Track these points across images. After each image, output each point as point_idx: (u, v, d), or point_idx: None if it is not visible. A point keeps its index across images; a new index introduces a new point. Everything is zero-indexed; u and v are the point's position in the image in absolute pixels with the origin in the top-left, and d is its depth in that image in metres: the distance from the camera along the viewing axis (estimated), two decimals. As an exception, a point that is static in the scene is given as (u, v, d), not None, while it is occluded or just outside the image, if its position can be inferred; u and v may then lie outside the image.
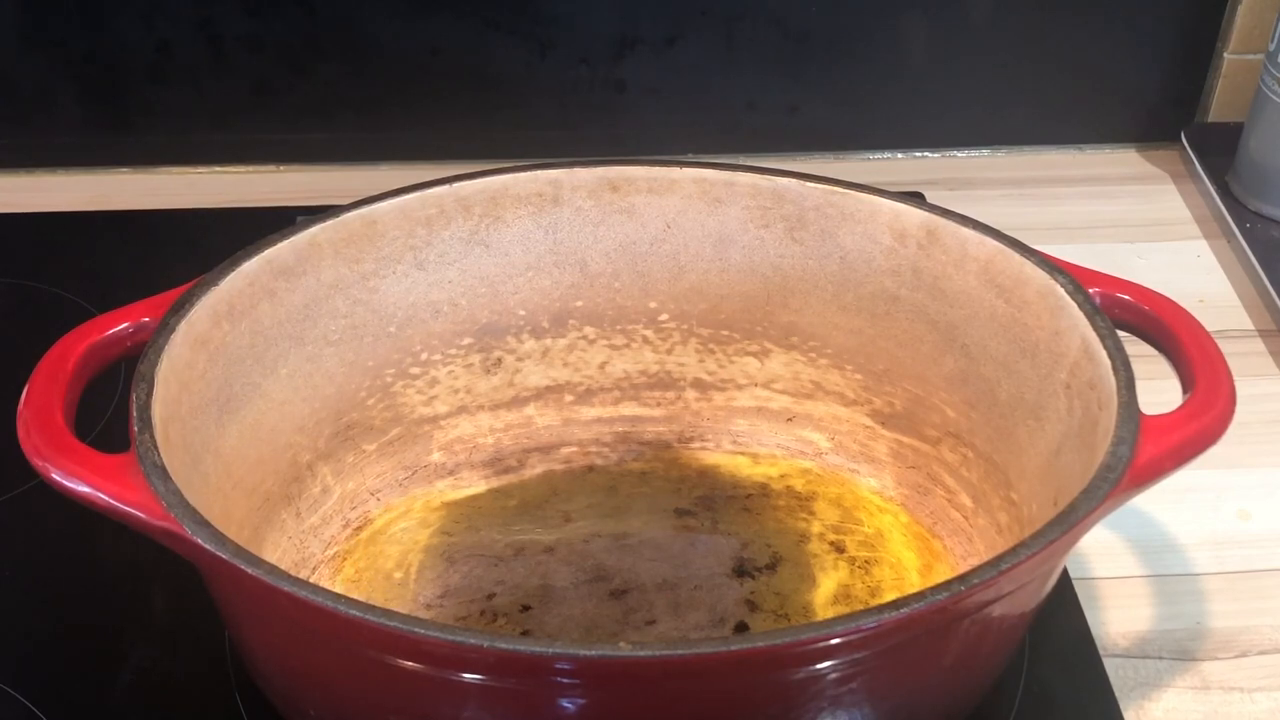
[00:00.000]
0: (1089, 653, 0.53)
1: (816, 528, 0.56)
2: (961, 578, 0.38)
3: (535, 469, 0.59)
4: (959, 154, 0.83)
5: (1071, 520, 0.40)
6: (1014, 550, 0.39)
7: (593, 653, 0.36)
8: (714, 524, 0.56)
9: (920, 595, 0.38)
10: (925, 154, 0.83)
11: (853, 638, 0.37)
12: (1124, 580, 0.57)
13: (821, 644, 0.37)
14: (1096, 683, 0.51)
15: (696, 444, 0.60)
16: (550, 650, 0.37)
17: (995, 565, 0.39)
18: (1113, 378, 0.45)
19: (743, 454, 0.59)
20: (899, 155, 0.83)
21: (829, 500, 0.57)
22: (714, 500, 0.57)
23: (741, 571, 0.54)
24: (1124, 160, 0.82)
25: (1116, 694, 0.51)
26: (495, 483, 0.58)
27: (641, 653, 0.37)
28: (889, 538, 0.55)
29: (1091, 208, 0.78)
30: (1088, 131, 0.83)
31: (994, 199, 0.79)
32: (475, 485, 0.58)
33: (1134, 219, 0.78)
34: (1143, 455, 0.43)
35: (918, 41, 0.79)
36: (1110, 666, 0.52)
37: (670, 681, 0.38)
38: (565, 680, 0.38)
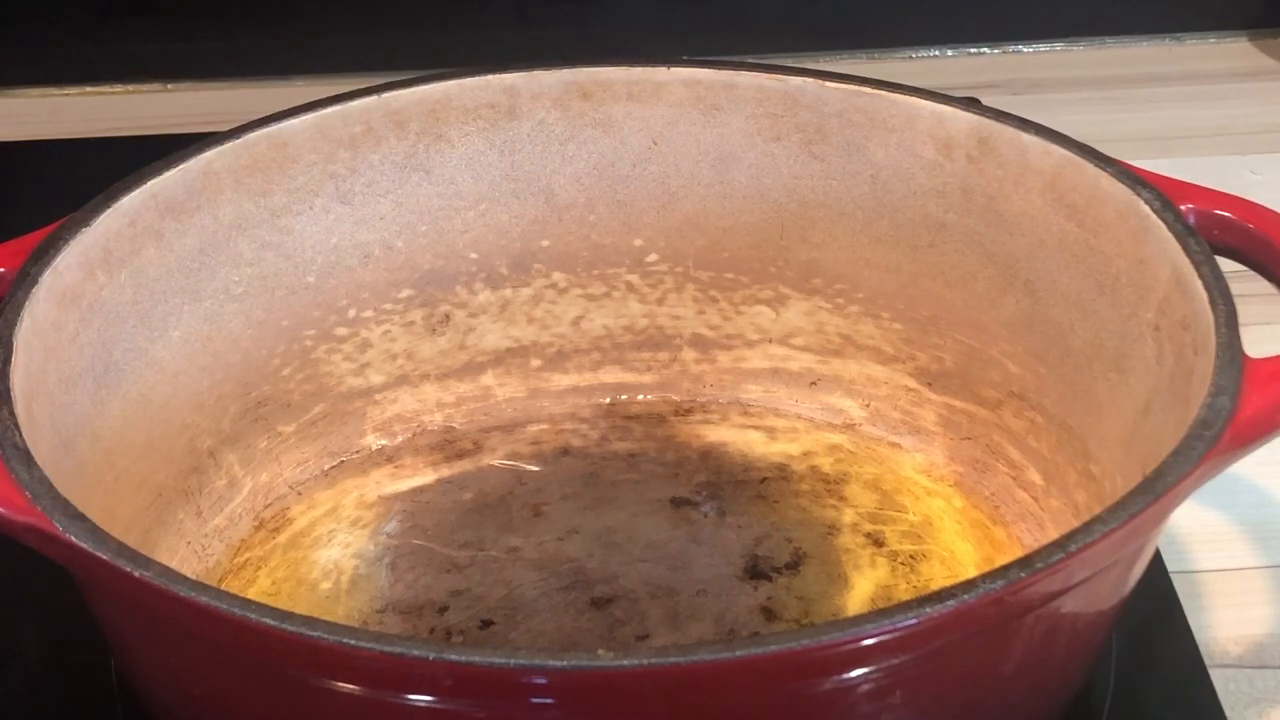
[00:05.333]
0: (1192, 662, 0.54)
1: (849, 517, 0.57)
2: (1022, 561, 0.39)
3: (496, 452, 0.60)
4: (1024, 49, 0.84)
5: (1159, 488, 0.41)
6: (1087, 527, 0.40)
7: (565, 663, 0.37)
8: (720, 515, 0.57)
9: (971, 584, 0.39)
10: (982, 49, 0.84)
11: (888, 638, 0.38)
12: (1236, 573, 0.57)
13: (849, 647, 0.38)
14: (1201, 699, 0.52)
15: (697, 417, 0.61)
16: (513, 662, 0.37)
17: (1063, 546, 0.40)
18: (1210, 313, 0.46)
19: (756, 428, 0.60)
20: (949, 52, 0.84)
21: (864, 483, 0.58)
22: (720, 486, 0.58)
23: (756, 573, 0.55)
24: (1233, 52, 0.83)
25: (1227, 713, 0.52)
26: (446, 471, 0.59)
27: (626, 662, 0.37)
28: (939, 527, 0.56)
29: (1192, 112, 0.79)
30: (1187, 17, 0.84)
31: (1068, 104, 0.80)
32: (421, 474, 0.59)
33: (1245, 124, 0.78)
34: (1248, 407, 0.43)
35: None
36: (1219, 679, 0.53)
37: (662, 698, 0.39)
38: (534, 700, 0.39)
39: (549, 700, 0.39)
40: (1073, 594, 0.42)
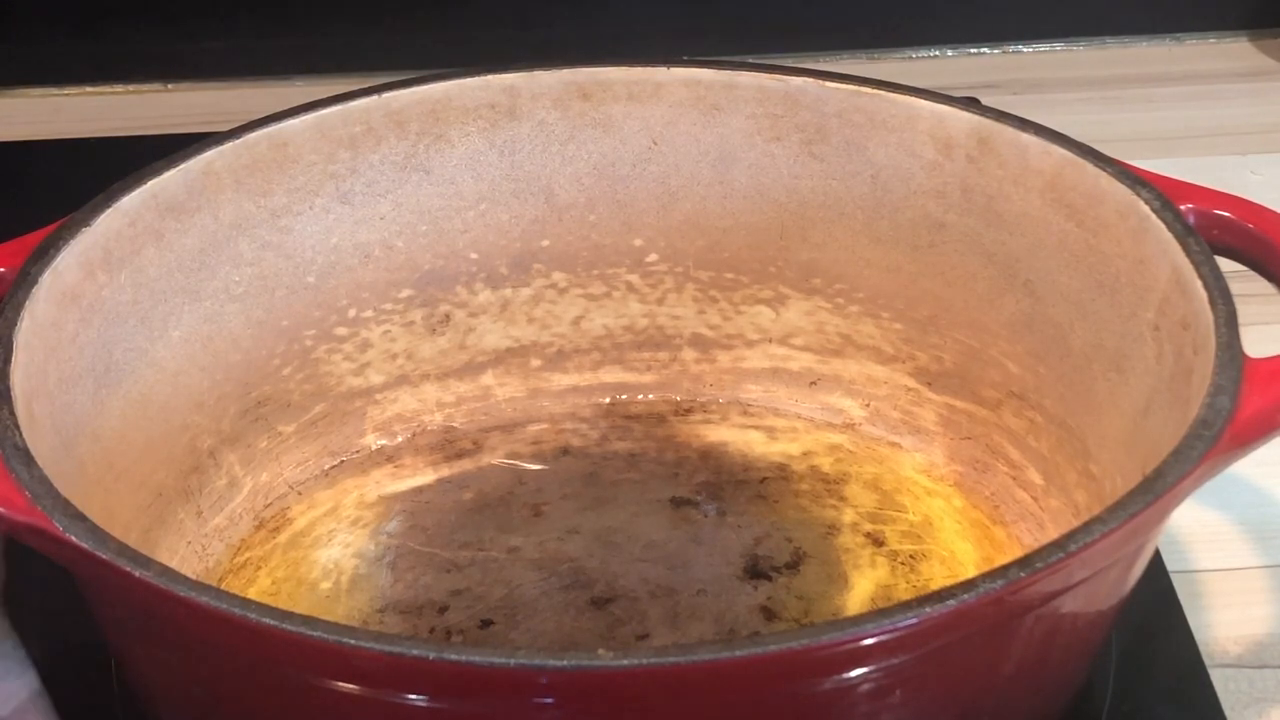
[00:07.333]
0: (1192, 662, 0.54)
1: (849, 517, 0.57)
2: (1022, 561, 0.39)
3: (496, 452, 0.60)
4: (1025, 49, 0.84)
5: (1159, 488, 0.41)
6: (1087, 526, 0.40)
7: (565, 663, 0.37)
8: (720, 515, 0.57)
9: (971, 584, 0.39)
10: (982, 50, 0.84)
11: (888, 638, 0.38)
12: (1235, 573, 0.58)
13: (849, 647, 0.38)
14: (1201, 699, 0.52)
15: (697, 416, 0.61)
16: (513, 662, 0.37)
17: (1063, 546, 0.40)
18: (1209, 313, 0.46)
19: (755, 428, 0.60)
20: (949, 52, 0.84)
21: (864, 482, 0.58)
22: (720, 486, 0.58)
23: (755, 573, 0.55)
24: (1233, 52, 0.83)
25: (1226, 713, 0.52)
26: (446, 470, 0.59)
27: (626, 662, 0.37)
28: (939, 526, 0.56)
29: (1192, 112, 0.79)
30: (1187, 17, 0.84)
31: (1069, 104, 0.80)
32: (421, 474, 0.59)
33: (1246, 124, 0.78)
34: (1248, 407, 0.43)
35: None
36: (1218, 679, 0.53)
37: (663, 698, 0.39)
38: (534, 700, 0.39)
39: (549, 700, 0.39)
40: (1073, 594, 0.42)
